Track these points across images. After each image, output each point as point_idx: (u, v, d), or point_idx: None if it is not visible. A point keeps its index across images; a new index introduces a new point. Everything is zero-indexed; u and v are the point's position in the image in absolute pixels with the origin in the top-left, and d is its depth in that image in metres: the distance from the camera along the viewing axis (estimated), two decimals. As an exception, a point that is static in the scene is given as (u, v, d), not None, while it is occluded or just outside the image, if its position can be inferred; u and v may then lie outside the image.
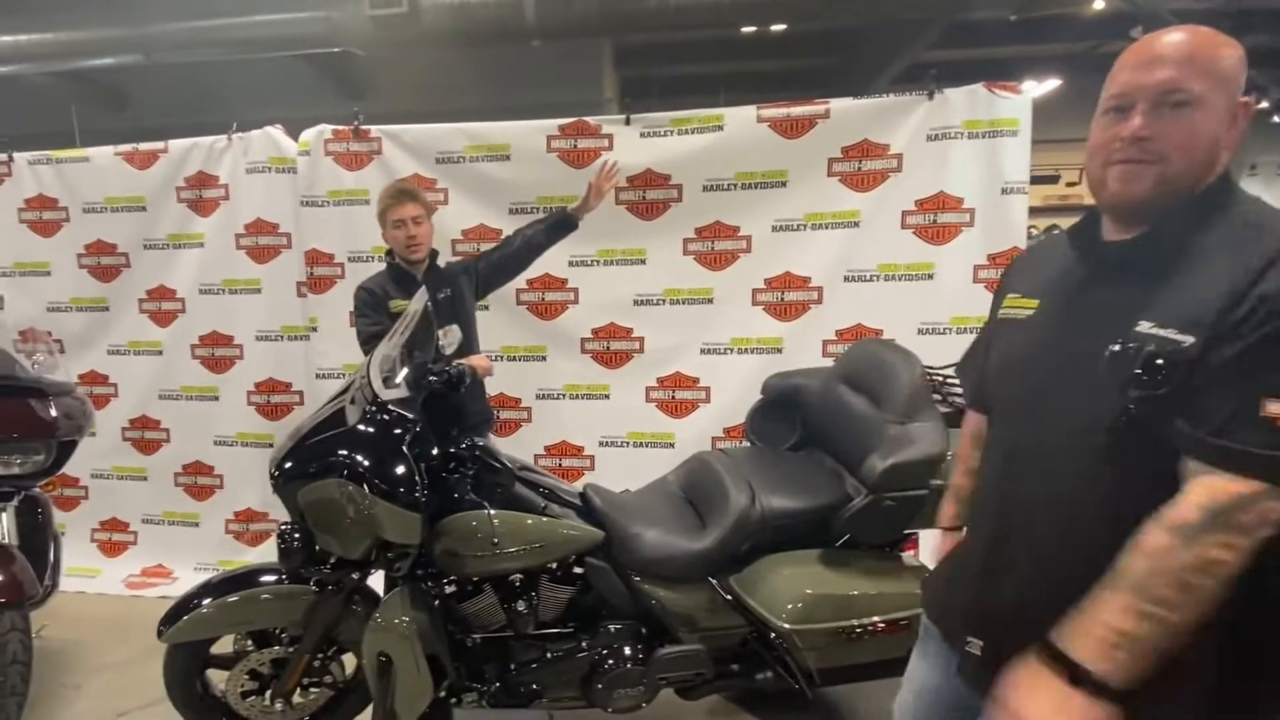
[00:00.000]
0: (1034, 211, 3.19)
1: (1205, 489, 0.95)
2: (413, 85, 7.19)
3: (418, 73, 7.19)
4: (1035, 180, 3.19)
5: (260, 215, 3.56)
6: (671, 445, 3.37)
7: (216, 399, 3.69)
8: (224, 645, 2.22)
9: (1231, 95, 1.04)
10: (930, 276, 3.17)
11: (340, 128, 3.40)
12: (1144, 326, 1.01)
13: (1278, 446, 0.92)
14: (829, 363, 2.93)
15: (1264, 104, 7.14)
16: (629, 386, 3.43)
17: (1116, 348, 1.02)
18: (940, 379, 2.34)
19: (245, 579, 2.20)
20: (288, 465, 2.01)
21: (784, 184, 3.20)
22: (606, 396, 3.46)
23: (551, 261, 3.39)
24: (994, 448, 1.28)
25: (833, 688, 2.29)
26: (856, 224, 3.19)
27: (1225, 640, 1.00)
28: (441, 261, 2.92)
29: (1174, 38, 1.05)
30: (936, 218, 3.15)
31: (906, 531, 2.26)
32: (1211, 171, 1.05)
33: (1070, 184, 10.91)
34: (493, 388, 3.22)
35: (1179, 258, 1.03)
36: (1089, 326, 1.10)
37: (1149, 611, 0.95)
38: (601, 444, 3.49)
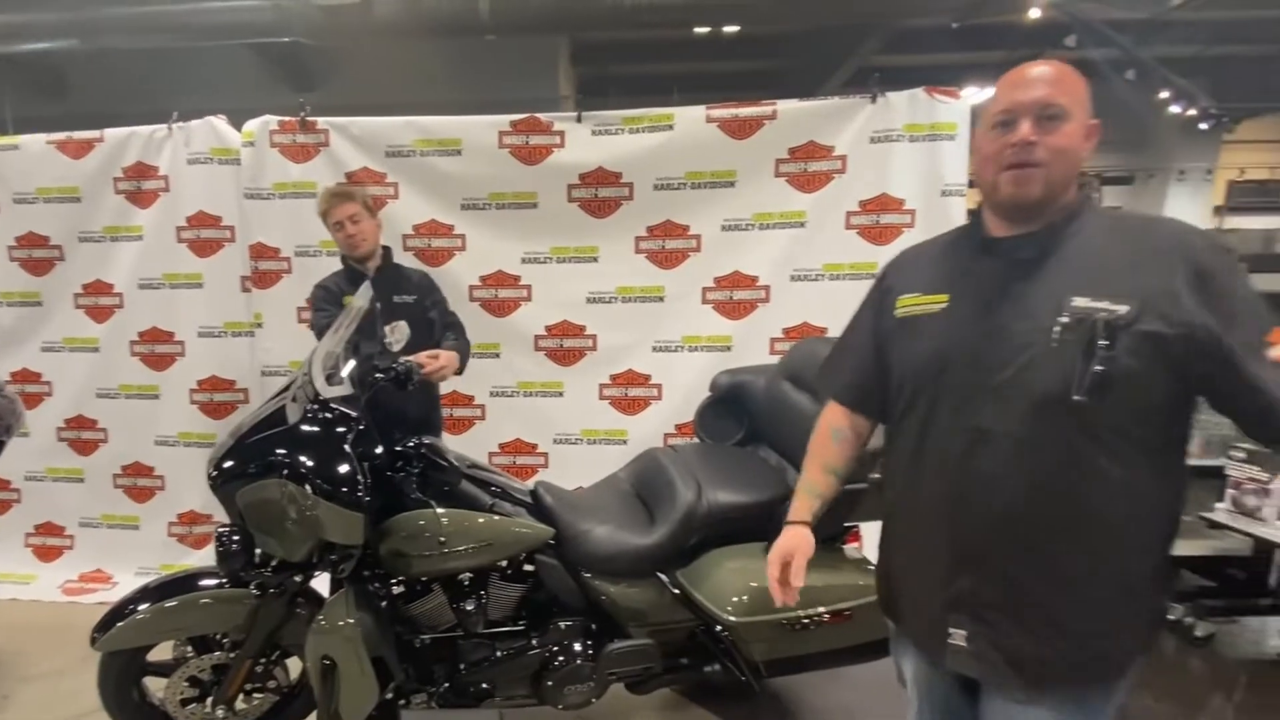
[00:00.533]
0: (972, 214, 3.24)
1: None
2: (365, 78, 7.00)
3: (371, 65, 7.00)
4: (973, 184, 3.25)
5: (202, 208, 3.42)
6: (625, 442, 3.36)
7: (157, 397, 3.54)
8: (162, 652, 2.13)
9: (1087, 115, 1.20)
10: (873, 276, 3.18)
11: (286, 119, 3.29)
12: (1079, 302, 1.14)
13: None
14: (776, 360, 2.94)
15: (1192, 111, 7.41)
16: (582, 384, 3.40)
17: (1066, 319, 1.14)
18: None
19: (184, 583, 2.11)
20: (226, 465, 1.94)
21: (732, 184, 3.21)
22: (560, 394, 3.42)
23: (504, 258, 3.35)
24: (942, 438, 1.26)
25: (780, 679, 2.30)
26: (803, 224, 3.21)
27: (1160, 557, 1.21)
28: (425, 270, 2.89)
29: (1044, 67, 1.21)
30: (879, 218, 3.19)
31: (847, 524, 2.28)
32: (1075, 177, 1.22)
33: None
34: (445, 385, 3.15)
35: (1083, 246, 1.20)
36: (1024, 309, 1.19)
37: None
38: (556, 441, 3.46)
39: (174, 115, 3.39)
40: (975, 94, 3.20)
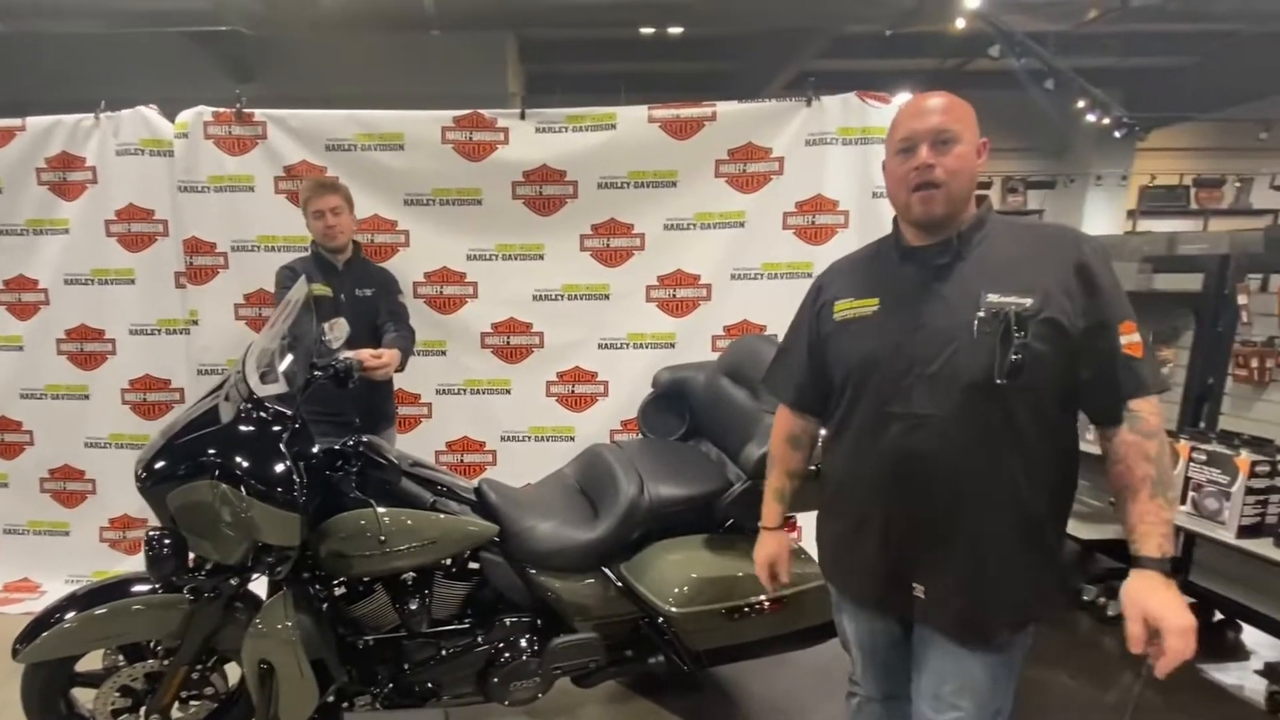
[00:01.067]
0: (894, 224, 3.32)
1: (1151, 406, 1.29)
2: (307, 71, 6.78)
3: (313, 58, 6.79)
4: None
5: (133, 200, 3.25)
6: (572, 439, 3.33)
7: (86, 398, 3.36)
8: (91, 662, 2.03)
9: (976, 136, 1.35)
10: (809, 275, 3.23)
11: (221, 110, 3.16)
12: (992, 297, 1.29)
13: (1150, 366, 1.29)
14: (718, 357, 2.96)
15: (1106, 120, 7.73)
16: (530, 381, 3.37)
17: (982, 314, 1.29)
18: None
19: (114, 590, 2.01)
20: (156, 466, 1.86)
21: (674, 184, 3.21)
22: (508, 391, 3.38)
23: (449, 254, 3.29)
24: (883, 424, 1.39)
25: (722, 668, 2.32)
26: (742, 224, 3.24)
27: (1060, 504, 1.38)
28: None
29: (936, 98, 1.36)
30: (815, 219, 3.24)
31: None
32: (973, 188, 1.36)
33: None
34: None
35: (989, 250, 1.35)
36: (945, 307, 1.34)
37: (1172, 499, 1.28)
38: (503, 439, 3.41)
39: (101, 104, 3.22)
40: (905, 99, 3.27)
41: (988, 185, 10.42)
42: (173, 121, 3.20)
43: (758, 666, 2.30)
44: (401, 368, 2.59)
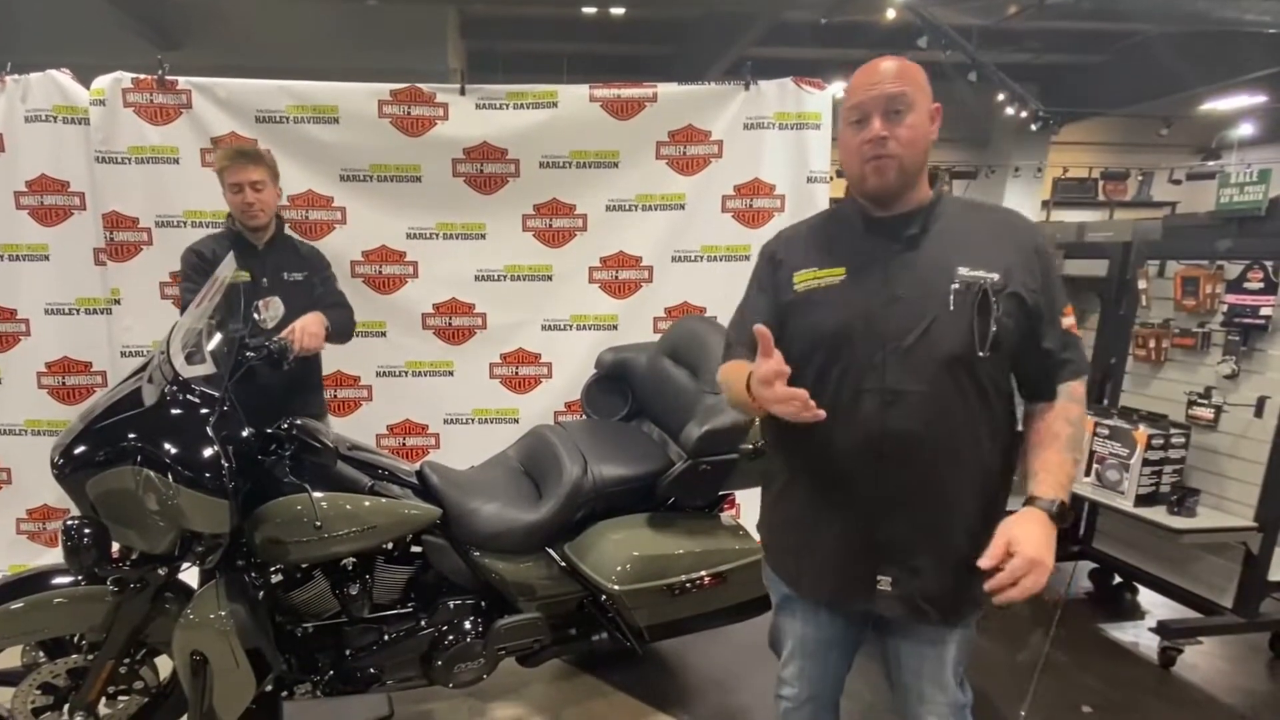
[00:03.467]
0: (835, 202, 3.35)
1: (1077, 384, 1.33)
2: (238, 40, 6.40)
3: (244, 27, 6.41)
4: (840, 174, 3.36)
5: (45, 171, 3.00)
6: (516, 421, 3.27)
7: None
8: (9, 659, 1.90)
9: (929, 101, 1.30)
10: (746, 258, 3.25)
11: (141, 76, 2.93)
12: (963, 271, 1.27)
13: (1079, 348, 1.35)
14: (659, 338, 2.95)
15: (1024, 114, 7.99)
16: (473, 363, 3.27)
17: (957, 285, 1.27)
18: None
19: (31, 583, 1.88)
20: (75, 453, 1.73)
21: (616, 164, 3.16)
22: (450, 373, 3.28)
23: (387, 232, 3.16)
24: (856, 400, 1.31)
25: (662, 643, 2.33)
26: (682, 206, 3.21)
27: (1000, 491, 1.37)
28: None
29: (888, 63, 1.29)
30: (752, 203, 3.24)
31: (723, 493, 2.33)
32: (927, 157, 1.32)
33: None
34: (329, 364, 2.95)
35: (951, 225, 1.33)
36: (917, 278, 1.30)
37: (1078, 460, 1.32)
38: (446, 422, 3.31)
39: (7, 66, 2.95)
40: (839, 88, 3.29)
41: (915, 173, 10.63)
42: (88, 87, 2.96)
43: (694, 640, 2.32)
44: (344, 340, 2.46)
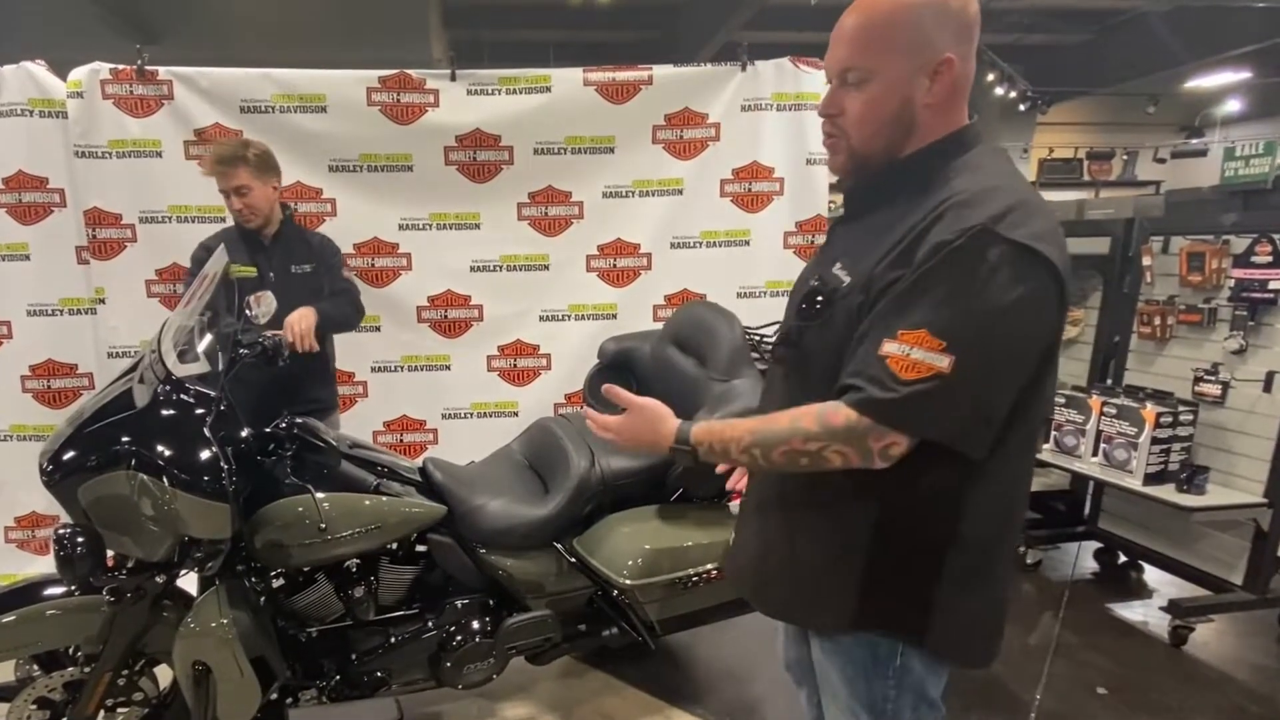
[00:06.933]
0: (834, 188, 3.30)
1: (837, 408, 1.01)
2: (218, 34, 6.24)
3: (224, 20, 6.25)
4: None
5: (22, 167, 2.89)
6: (515, 414, 3.20)
7: (-19, 386, 3.01)
8: (3, 674, 1.82)
9: (918, 57, 1.02)
10: (747, 243, 3.19)
11: (120, 67, 2.83)
12: (835, 268, 1.09)
13: (886, 386, 0.96)
14: (660, 327, 2.89)
15: (1013, 94, 7.95)
16: (470, 356, 3.20)
17: (815, 282, 1.10)
18: (758, 338, 2.36)
19: (24, 594, 1.79)
20: (65, 458, 1.65)
21: (612, 150, 3.08)
22: (447, 367, 3.21)
23: (380, 224, 3.07)
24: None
25: (673, 636, 2.29)
26: (680, 191, 3.14)
27: (876, 530, 1.08)
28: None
29: (849, 18, 1.06)
30: (751, 186, 3.17)
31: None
32: (910, 134, 1.06)
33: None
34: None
35: (876, 215, 1.08)
36: (810, 271, 1.19)
37: (753, 454, 1.07)
38: (444, 416, 3.24)
39: (-22, 60, 2.84)
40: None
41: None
42: (64, 80, 2.85)
43: (706, 632, 2.28)
44: (328, 329, 2.38)
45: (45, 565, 2.96)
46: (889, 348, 0.96)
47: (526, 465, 2.29)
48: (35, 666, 1.82)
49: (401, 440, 3.23)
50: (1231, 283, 2.73)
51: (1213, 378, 2.78)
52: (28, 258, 2.95)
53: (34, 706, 1.80)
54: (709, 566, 2.07)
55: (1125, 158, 11.17)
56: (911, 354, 0.94)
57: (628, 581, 1.98)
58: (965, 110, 1.08)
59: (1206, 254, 2.79)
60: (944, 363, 0.93)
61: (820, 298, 1.08)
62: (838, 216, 1.22)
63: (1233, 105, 11.49)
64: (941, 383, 0.93)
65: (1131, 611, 2.98)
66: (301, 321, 2.16)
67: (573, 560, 2.06)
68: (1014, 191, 0.99)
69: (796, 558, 1.15)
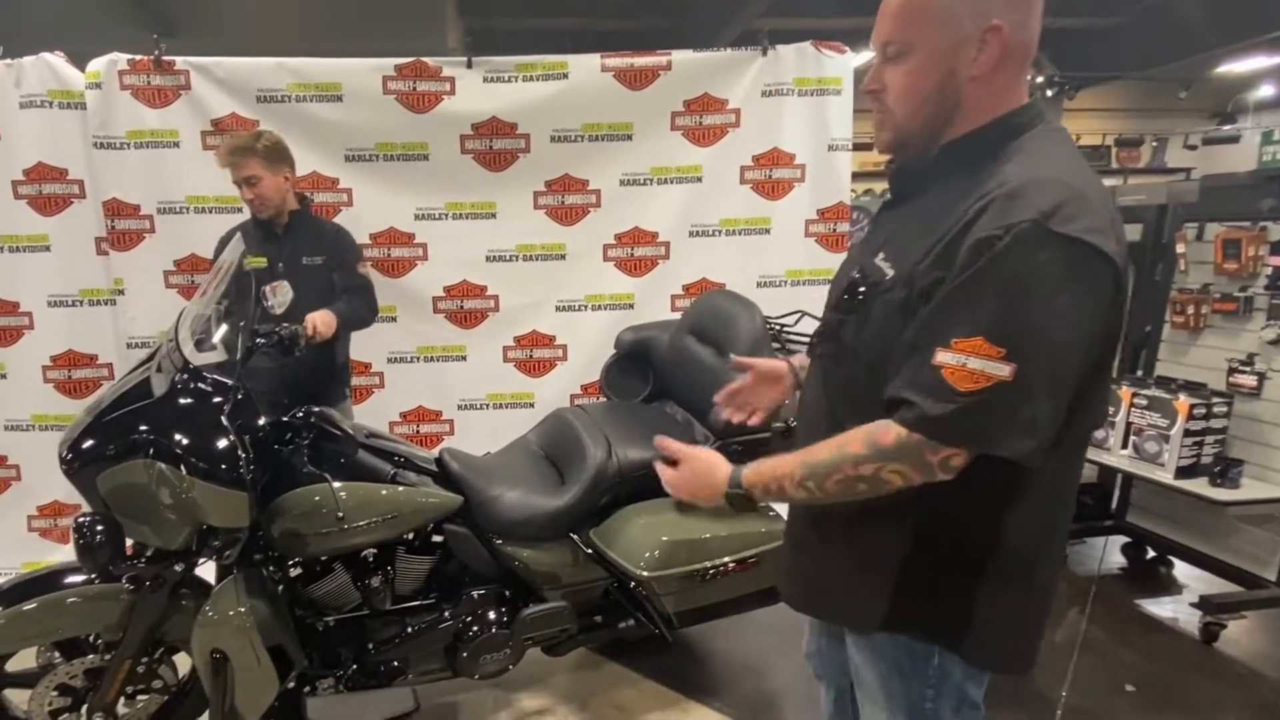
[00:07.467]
0: (856, 176, 3.26)
1: (887, 427, 0.96)
2: (234, 26, 6.28)
3: (240, 13, 6.28)
4: (856, 147, 3.26)
5: (42, 159, 2.92)
6: (531, 405, 3.20)
7: (4, 377, 3.05)
8: (24, 660, 1.84)
9: (961, 26, 0.96)
10: (767, 231, 3.16)
11: (138, 57, 2.84)
12: (879, 258, 1.05)
13: (943, 398, 0.90)
14: (677, 317, 2.86)
15: (1040, 79, 7.80)
16: (486, 346, 3.20)
17: (857, 274, 1.07)
18: (779, 328, 2.32)
19: (44, 582, 1.81)
20: (84, 447, 1.66)
21: (629, 137, 3.05)
22: (463, 358, 3.21)
23: (396, 214, 3.08)
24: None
25: (689, 628, 2.27)
26: (699, 179, 3.11)
27: (913, 533, 1.04)
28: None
29: None
30: (771, 173, 3.13)
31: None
32: (956, 110, 1.01)
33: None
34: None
35: (921, 201, 1.04)
36: (854, 260, 1.14)
37: (808, 486, 1.03)
38: (460, 407, 3.25)
39: (-1, 51, 2.87)
40: (858, 58, 3.16)
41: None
42: (83, 71, 2.87)
43: (723, 625, 2.26)
44: (342, 331, 2.38)
45: (67, 553, 2.98)
46: (943, 357, 0.90)
47: (543, 456, 2.28)
48: (56, 653, 1.83)
49: (418, 431, 3.23)
50: (1269, 270, 2.64)
51: (1248, 368, 2.70)
52: (48, 249, 2.99)
53: (55, 693, 1.82)
54: (727, 559, 2.05)
55: (1155, 144, 10.92)
56: (969, 364, 0.89)
57: (644, 573, 1.97)
58: (1023, 87, 1.02)
59: (1243, 240, 2.71)
60: (1005, 371, 0.88)
61: (862, 289, 1.04)
62: (885, 200, 1.17)
63: (1266, 90, 11.18)
64: (1004, 392, 0.88)
65: (1160, 607, 2.92)
66: (323, 319, 2.19)
67: (589, 551, 2.05)
68: (1069, 181, 0.92)
69: (829, 555, 1.14)
